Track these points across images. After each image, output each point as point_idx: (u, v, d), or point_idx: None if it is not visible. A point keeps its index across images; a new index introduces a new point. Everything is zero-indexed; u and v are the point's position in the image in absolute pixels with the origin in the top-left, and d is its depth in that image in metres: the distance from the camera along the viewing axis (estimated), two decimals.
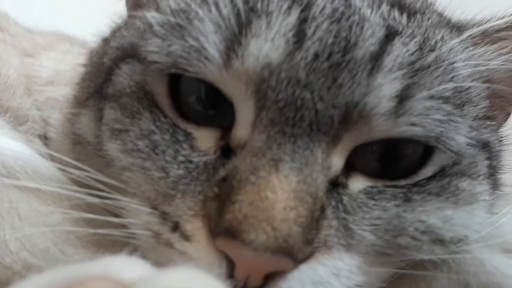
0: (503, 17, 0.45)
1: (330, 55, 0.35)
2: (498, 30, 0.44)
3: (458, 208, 0.37)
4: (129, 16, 0.48)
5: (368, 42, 0.36)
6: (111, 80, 0.42)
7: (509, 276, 0.36)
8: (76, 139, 0.46)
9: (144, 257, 0.31)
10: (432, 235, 0.36)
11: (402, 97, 0.36)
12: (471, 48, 0.42)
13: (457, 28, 0.44)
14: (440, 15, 0.46)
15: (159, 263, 0.34)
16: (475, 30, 0.43)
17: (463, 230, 0.38)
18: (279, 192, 0.33)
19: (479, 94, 0.41)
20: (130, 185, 0.38)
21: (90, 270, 0.26)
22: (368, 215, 0.36)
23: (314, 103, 0.35)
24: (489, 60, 0.42)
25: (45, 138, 0.59)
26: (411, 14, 0.41)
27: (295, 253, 0.33)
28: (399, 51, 0.36)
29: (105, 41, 0.50)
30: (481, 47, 0.43)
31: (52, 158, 0.49)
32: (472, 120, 0.40)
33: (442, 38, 0.40)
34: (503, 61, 0.42)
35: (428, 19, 0.42)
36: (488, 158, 0.42)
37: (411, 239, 0.36)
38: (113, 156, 0.39)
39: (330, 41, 0.35)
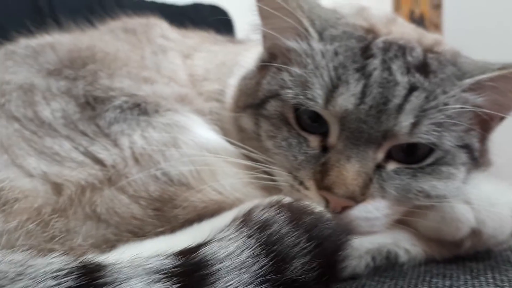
0: (498, 69, 0.71)
1: (377, 106, 0.71)
2: (486, 80, 0.72)
3: (440, 181, 0.73)
4: (266, 67, 0.83)
5: (397, 99, 0.71)
6: (265, 107, 0.79)
7: (462, 214, 0.73)
8: (239, 128, 0.85)
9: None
10: (424, 193, 0.73)
11: (415, 124, 0.70)
12: (465, 93, 0.73)
13: (460, 76, 0.74)
14: (455, 64, 0.76)
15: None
16: (471, 80, 0.73)
17: (442, 192, 0.73)
18: (350, 172, 0.71)
19: (465, 118, 0.74)
20: (277, 161, 0.78)
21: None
22: (394, 182, 0.73)
23: (368, 130, 0.71)
24: (474, 102, 0.73)
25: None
26: (427, 73, 0.73)
27: (356, 198, 0.71)
28: (414, 101, 0.70)
29: (249, 77, 0.86)
30: (471, 91, 0.73)
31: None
32: (460, 132, 0.73)
33: (443, 90, 0.72)
34: (483, 101, 0.74)
35: (438, 76, 0.73)
36: (468, 153, 0.75)
37: (413, 195, 0.73)
38: (269, 148, 0.78)
39: (378, 98, 0.71)
